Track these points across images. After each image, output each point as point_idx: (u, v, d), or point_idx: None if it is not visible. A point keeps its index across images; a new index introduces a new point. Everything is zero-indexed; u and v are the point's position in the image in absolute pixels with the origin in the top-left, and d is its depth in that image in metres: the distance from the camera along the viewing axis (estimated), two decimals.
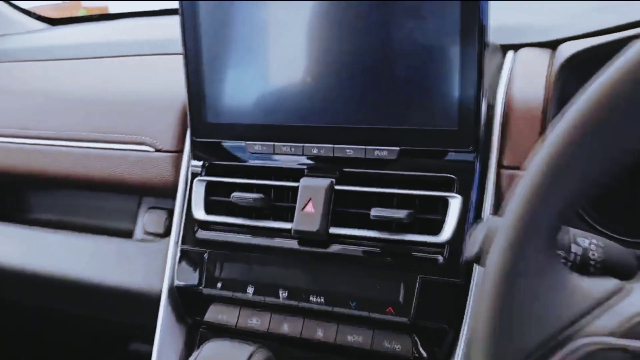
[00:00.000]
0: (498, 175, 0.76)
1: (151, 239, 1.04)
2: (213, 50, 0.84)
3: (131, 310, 1.02)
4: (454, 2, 0.70)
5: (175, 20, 0.84)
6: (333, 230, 0.79)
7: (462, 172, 0.74)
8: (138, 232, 1.09)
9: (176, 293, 0.89)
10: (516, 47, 0.85)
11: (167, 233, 1.04)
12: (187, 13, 0.83)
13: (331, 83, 0.78)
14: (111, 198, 1.12)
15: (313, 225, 0.78)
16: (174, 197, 0.94)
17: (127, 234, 1.09)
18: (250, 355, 0.71)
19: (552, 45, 0.83)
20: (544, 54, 0.82)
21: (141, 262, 0.98)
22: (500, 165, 0.76)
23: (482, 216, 0.75)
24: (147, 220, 1.07)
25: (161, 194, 0.99)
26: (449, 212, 0.74)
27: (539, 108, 0.75)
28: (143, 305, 0.95)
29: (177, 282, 0.89)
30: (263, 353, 0.73)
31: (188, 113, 0.87)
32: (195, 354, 0.73)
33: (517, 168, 0.75)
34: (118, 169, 1.00)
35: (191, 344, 0.92)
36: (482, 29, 0.69)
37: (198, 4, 0.82)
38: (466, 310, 0.73)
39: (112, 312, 1.09)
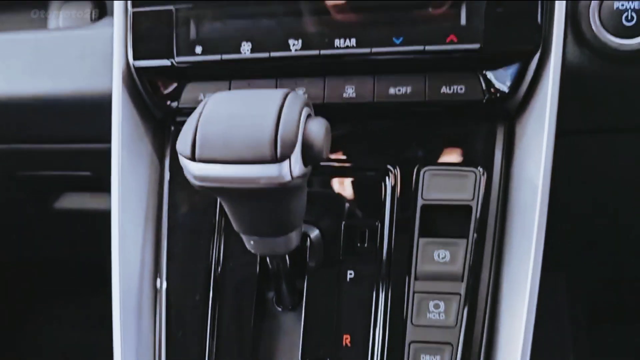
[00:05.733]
0: None
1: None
2: None
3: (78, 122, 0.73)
4: None
5: None
6: None
7: None
8: None
9: (134, 76, 0.65)
10: None
11: None
12: None
13: None
14: None
15: None
16: None
17: None
18: (284, 97, 0.49)
19: None
20: None
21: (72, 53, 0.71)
22: None
23: None
24: (65, 17, 0.80)
25: None
26: None
27: None
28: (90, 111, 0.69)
29: (134, 61, 0.64)
30: (298, 95, 0.52)
31: None
32: (202, 105, 0.49)
33: None
34: None
35: (161, 146, 0.70)
36: None
37: None
38: (553, 31, 0.56)
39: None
